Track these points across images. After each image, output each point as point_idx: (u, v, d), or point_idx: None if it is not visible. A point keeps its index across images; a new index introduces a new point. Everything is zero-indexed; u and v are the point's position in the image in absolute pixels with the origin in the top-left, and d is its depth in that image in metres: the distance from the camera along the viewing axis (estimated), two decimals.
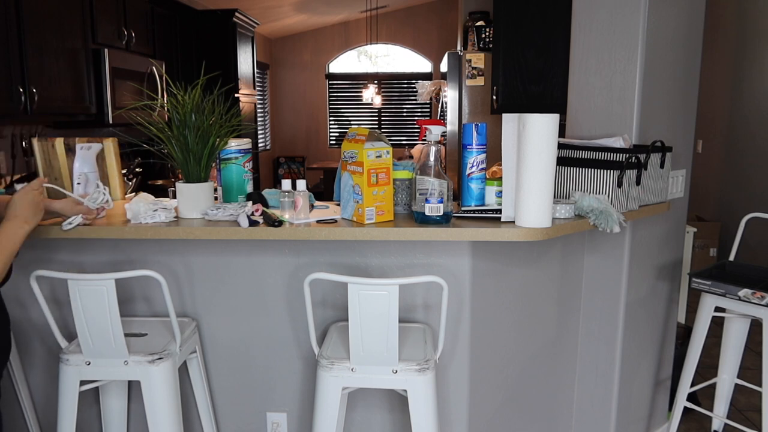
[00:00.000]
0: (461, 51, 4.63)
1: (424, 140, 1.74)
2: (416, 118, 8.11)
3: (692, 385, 2.34)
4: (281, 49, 8.01)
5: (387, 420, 2.06)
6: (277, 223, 1.71)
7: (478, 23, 4.53)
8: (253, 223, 1.74)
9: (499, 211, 1.78)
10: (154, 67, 3.83)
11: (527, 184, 1.67)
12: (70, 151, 2.23)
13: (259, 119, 6.41)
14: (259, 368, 2.06)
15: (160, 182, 3.70)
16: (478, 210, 1.84)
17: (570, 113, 2.27)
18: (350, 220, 1.79)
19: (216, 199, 1.96)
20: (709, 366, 2.77)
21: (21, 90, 2.75)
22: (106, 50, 3.37)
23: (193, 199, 1.84)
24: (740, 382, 2.52)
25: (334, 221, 1.79)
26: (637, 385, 2.37)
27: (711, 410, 2.55)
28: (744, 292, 2.10)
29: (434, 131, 1.72)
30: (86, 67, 3.29)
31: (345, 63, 8.11)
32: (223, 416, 2.11)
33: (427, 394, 1.65)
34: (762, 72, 4.72)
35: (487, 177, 1.90)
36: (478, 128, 1.83)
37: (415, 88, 6.48)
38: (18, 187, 1.60)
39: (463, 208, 1.87)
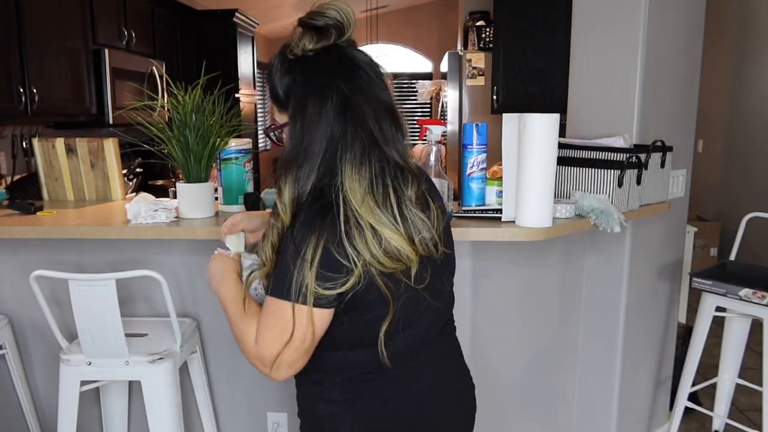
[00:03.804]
0: (461, 51, 4.63)
1: (425, 140, 1.74)
2: (416, 117, 8.11)
3: (693, 385, 2.34)
4: None
5: None
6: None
7: (478, 23, 4.53)
8: None
9: (500, 211, 1.78)
10: (154, 67, 3.83)
11: (528, 183, 1.66)
12: (71, 151, 2.23)
13: (259, 119, 6.40)
14: None
15: (160, 182, 3.70)
16: (478, 210, 1.84)
17: (570, 113, 2.27)
18: None
19: (216, 199, 1.96)
20: (709, 366, 2.77)
21: (21, 90, 2.75)
22: (106, 50, 3.36)
23: (193, 199, 1.84)
24: (741, 381, 2.52)
25: None
26: (637, 385, 2.36)
27: (712, 410, 2.55)
28: (745, 291, 2.10)
29: (434, 131, 1.72)
30: (86, 68, 3.29)
31: None
32: (224, 416, 2.10)
33: None
34: (762, 72, 4.71)
35: (488, 177, 1.89)
36: (478, 128, 1.83)
37: (415, 87, 6.47)
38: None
39: (463, 208, 1.86)
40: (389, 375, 1.11)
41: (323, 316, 1.03)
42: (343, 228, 0.98)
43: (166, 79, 1.95)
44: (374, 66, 1.10)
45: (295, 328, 1.01)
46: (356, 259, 0.98)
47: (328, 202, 1.00)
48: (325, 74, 1.06)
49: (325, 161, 1.03)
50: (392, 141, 1.06)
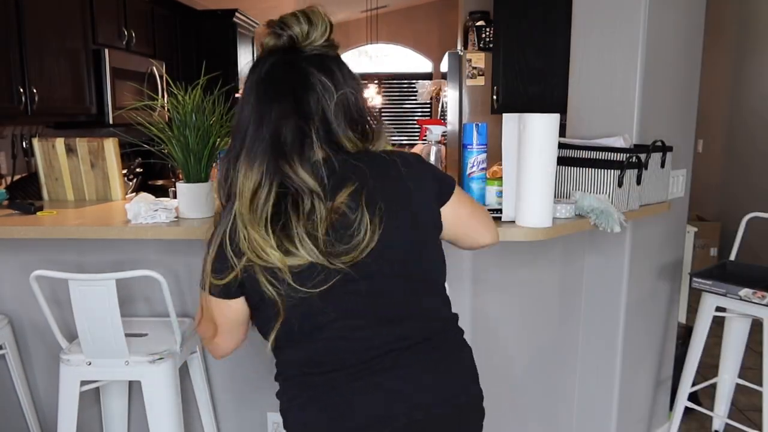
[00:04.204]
0: (461, 51, 4.63)
1: (425, 140, 1.74)
2: (416, 117, 8.10)
3: (693, 385, 2.34)
4: None
5: None
6: None
7: (478, 23, 4.53)
8: None
9: (500, 211, 1.78)
10: (154, 67, 3.83)
11: (528, 183, 1.67)
12: (71, 151, 2.23)
13: None
14: (259, 368, 2.05)
15: (160, 182, 3.69)
16: None
17: (570, 113, 2.27)
18: None
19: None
20: (709, 366, 2.77)
21: (21, 90, 2.75)
22: (106, 50, 3.36)
23: (193, 199, 1.84)
24: (741, 381, 2.52)
25: None
26: (637, 385, 2.36)
27: (712, 410, 2.55)
28: (744, 291, 2.10)
29: (435, 131, 1.72)
30: (86, 68, 3.29)
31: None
32: (224, 416, 2.10)
33: None
34: (762, 72, 4.72)
35: (488, 177, 1.89)
36: (478, 128, 1.83)
37: (415, 88, 6.47)
38: None
39: None
40: (317, 382, 1.11)
41: (219, 306, 1.13)
42: (231, 223, 1.05)
43: (166, 79, 1.95)
44: (325, 78, 1.09)
45: (203, 313, 1.18)
46: (237, 255, 1.05)
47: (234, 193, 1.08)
48: (254, 75, 1.12)
49: (236, 157, 1.09)
50: (292, 154, 1.06)
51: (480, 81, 4.44)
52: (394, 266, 1.10)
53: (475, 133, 1.83)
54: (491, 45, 4.25)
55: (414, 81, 7.78)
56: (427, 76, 7.82)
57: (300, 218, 1.03)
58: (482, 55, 4.40)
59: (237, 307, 1.15)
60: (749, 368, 2.71)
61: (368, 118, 1.14)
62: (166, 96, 3.00)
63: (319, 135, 1.07)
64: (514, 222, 1.73)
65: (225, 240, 1.06)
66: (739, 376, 2.53)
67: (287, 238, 1.03)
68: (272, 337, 1.10)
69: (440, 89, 5.52)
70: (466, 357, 1.23)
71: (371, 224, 1.05)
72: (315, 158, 1.06)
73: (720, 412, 2.56)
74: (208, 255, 1.09)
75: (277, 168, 1.04)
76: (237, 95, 4.32)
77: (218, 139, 1.82)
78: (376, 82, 7.72)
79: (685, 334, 2.68)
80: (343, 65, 1.14)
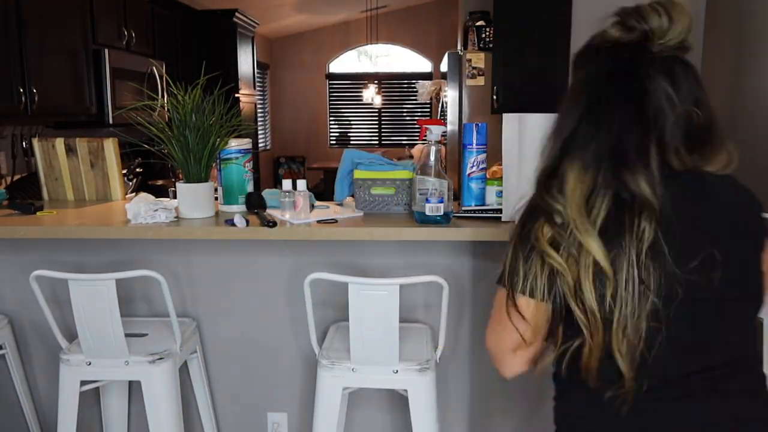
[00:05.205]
0: (461, 51, 4.63)
1: (425, 140, 1.74)
2: (416, 117, 8.11)
3: None
4: (281, 49, 8.01)
5: (387, 420, 2.06)
6: (271, 224, 1.71)
7: (478, 23, 4.53)
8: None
9: (500, 210, 1.78)
10: (154, 67, 3.83)
11: (528, 184, 1.66)
12: (71, 151, 2.23)
13: (259, 119, 6.41)
14: (259, 368, 2.06)
15: (160, 182, 3.70)
16: (478, 210, 1.84)
17: None
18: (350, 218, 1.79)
19: (216, 199, 1.96)
20: None
21: (21, 90, 2.75)
22: (106, 50, 3.36)
23: (193, 199, 1.84)
24: None
25: (334, 221, 1.79)
26: None
27: None
28: None
29: (434, 131, 1.72)
30: (86, 67, 3.29)
31: (345, 63, 8.10)
32: (224, 416, 2.10)
33: (428, 394, 1.65)
34: (763, 72, 4.72)
35: (488, 177, 1.90)
36: (478, 128, 1.83)
37: (415, 88, 6.47)
38: None
39: (463, 208, 1.86)
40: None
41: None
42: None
43: (166, 79, 1.95)
44: (671, 89, 1.06)
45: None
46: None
47: None
48: (592, 67, 1.13)
49: (562, 152, 1.08)
50: (636, 166, 0.98)
51: (480, 81, 4.44)
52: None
53: (475, 133, 1.83)
54: (491, 45, 4.25)
55: (414, 81, 7.78)
56: (426, 76, 7.82)
57: (633, 238, 0.93)
58: (482, 55, 4.40)
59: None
60: None
61: (712, 137, 1.04)
62: (166, 96, 3.01)
63: (656, 149, 0.98)
64: (514, 222, 1.72)
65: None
66: None
67: (615, 254, 0.93)
68: None
69: (440, 89, 5.52)
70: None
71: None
72: (654, 173, 0.96)
73: None
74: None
75: (617, 178, 0.95)
76: (237, 95, 4.32)
77: (218, 139, 1.82)
78: (375, 82, 7.72)
79: None
80: (690, 73, 1.04)
